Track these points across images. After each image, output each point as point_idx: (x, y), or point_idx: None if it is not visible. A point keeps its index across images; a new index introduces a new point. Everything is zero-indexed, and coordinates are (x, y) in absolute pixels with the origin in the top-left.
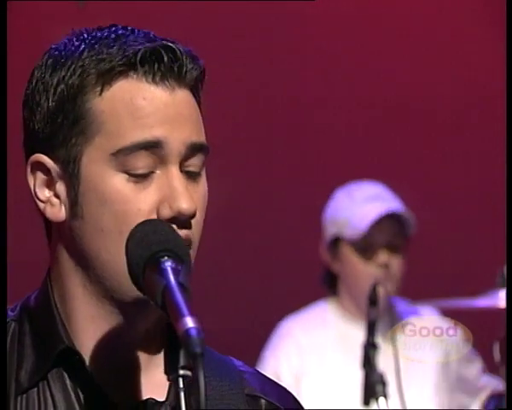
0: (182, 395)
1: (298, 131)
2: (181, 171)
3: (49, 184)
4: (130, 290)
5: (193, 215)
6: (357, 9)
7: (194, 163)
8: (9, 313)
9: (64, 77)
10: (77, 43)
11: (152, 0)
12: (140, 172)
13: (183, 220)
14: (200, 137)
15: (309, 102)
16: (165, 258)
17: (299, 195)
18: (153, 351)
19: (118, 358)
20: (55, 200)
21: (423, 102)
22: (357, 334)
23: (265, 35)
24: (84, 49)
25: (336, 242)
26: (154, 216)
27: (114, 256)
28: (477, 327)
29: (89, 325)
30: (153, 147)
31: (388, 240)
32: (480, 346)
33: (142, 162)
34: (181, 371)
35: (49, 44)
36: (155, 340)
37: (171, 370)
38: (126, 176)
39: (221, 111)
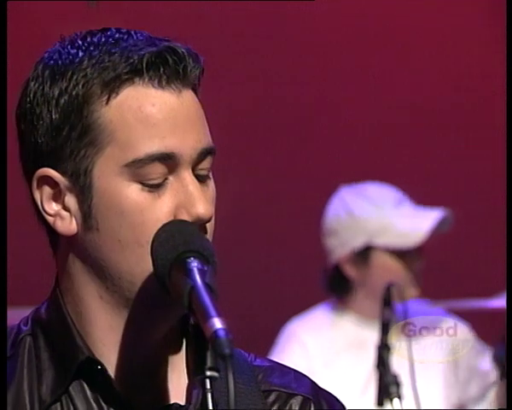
0: (209, 396)
1: (304, 131)
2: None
3: (57, 198)
4: (148, 299)
5: (210, 219)
6: (358, 10)
7: (204, 167)
8: (22, 326)
9: (66, 88)
10: (73, 51)
11: (166, 0)
12: (154, 182)
13: (201, 225)
14: (208, 140)
15: (315, 102)
16: (192, 259)
17: (304, 196)
18: (171, 355)
19: (138, 365)
20: (64, 213)
21: (426, 103)
22: (369, 336)
23: (269, 35)
24: (82, 56)
25: (366, 250)
26: None
27: (132, 267)
28: (489, 328)
29: (107, 335)
30: (167, 158)
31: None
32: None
33: (155, 172)
34: (208, 373)
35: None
36: (173, 344)
37: (197, 371)
38: (141, 186)
39: (226, 112)
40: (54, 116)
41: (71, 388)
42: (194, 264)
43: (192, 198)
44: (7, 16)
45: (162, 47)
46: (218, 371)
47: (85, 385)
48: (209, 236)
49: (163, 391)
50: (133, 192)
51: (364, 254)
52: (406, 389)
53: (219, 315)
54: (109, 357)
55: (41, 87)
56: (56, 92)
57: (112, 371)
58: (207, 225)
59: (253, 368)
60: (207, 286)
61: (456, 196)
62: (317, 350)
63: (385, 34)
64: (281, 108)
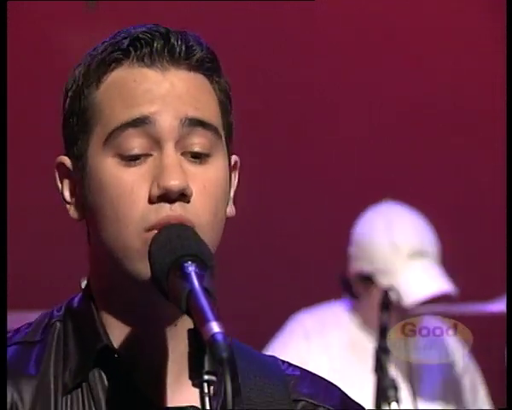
0: (207, 399)
1: (303, 131)
2: (183, 152)
3: (72, 186)
4: (143, 275)
5: (183, 192)
6: (359, 10)
7: (198, 142)
8: (55, 312)
9: (75, 78)
10: (97, 46)
11: (165, 0)
12: (133, 152)
13: (174, 198)
14: (201, 113)
15: (315, 102)
16: (189, 262)
17: (314, 195)
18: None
19: (153, 357)
20: (74, 200)
21: (426, 103)
22: (369, 340)
23: (269, 35)
24: (95, 47)
25: (369, 279)
26: (146, 198)
27: (114, 243)
28: (489, 332)
29: (123, 322)
30: (141, 124)
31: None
32: (493, 351)
33: (133, 143)
34: (206, 377)
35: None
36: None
37: (195, 375)
38: (119, 159)
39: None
40: (66, 106)
41: (91, 375)
42: (192, 268)
43: (164, 169)
44: (7, 16)
45: (149, 29)
46: (215, 374)
47: (104, 373)
48: (201, 215)
49: (180, 390)
50: (112, 166)
51: (367, 281)
52: (404, 391)
53: (217, 319)
54: (127, 347)
55: (67, 82)
56: (70, 84)
57: (128, 361)
58: (197, 203)
59: (285, 377)
60: (205, 290)
61: (456, 197)
62: (321, 346)
63: (385, 34)
64: (280, 108)
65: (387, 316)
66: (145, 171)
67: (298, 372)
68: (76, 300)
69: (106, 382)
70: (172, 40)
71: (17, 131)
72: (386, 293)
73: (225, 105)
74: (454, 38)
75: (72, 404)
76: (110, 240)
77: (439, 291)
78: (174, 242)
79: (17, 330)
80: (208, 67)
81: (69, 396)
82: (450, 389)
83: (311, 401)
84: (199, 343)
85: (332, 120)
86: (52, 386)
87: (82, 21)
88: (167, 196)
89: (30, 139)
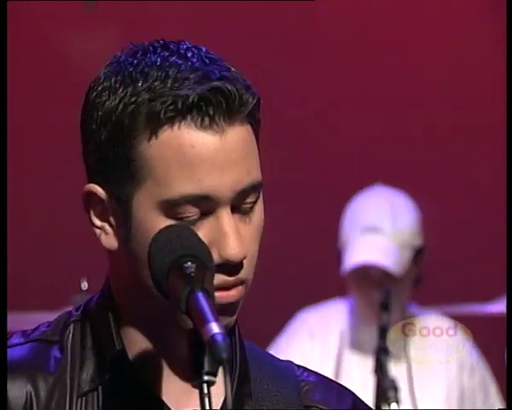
0: (206, 400)
1: (303, 131)
2: (232, 210)
3: (103, 214)
4: (174, 318)
5: (242, 260)
6: (359, 10)
7: (249, 201)
8: (73, 312)
9: (116, 109)
10: (131, 70)
11: (164, 0)
12: (189, 219)
13: (233, 266)
14: (251, 177)
15: (315, 102)
16: (189, 263)
17: (314, 195)
18: None
19: (168, 362)
20: (108, 229)
21: (426, 103)
22: (368, 337)
23: (269, 35)
24: (137, 79)
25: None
26: None
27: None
28: (489, 333)
29: (139, 324)
30: (201, 199)
31: (379, 275)
32: (493, 351)
33: (190, 211)
34: (205, 377)
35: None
36: None
37: (195, 376)
38: (174, 221)
39: None
40: (103, 136)
41: (106, 378)
42: (192, 268)
43: (224, 238)
44: (7, 16)
45: (208, 87)
46: (215, 375)
47: (119, 378)
48: (248, 267)
49: (193, 395)
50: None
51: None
52: (404, 391)
53: (216, 320)
54: (142, 352)
55: (98, 100)
56: (108, 109)
57: (144, 366)
58: (245, 260)
59: (299, 382)
60: (205, 291)
61: (456, 197)
62: (324, 344)
63: (385, 34)
64: (280, 108)
65: (387, 316)
66: (201, 234)
67: (312, 378)
68: (94, 300)
69: (120, 386)
70: (230, 98)
71: (17, 131)
72: (386, 293)
73: (258, 134)
74: (454, 38)
75: (86, 406)
76: (154, 289)
77: (368, 261)
78: (174, 242)
79: (36, 329)
80: (255, 114)
81: (84, 398)
82: (453, 389)
83: (322, 407)
84: (199, 344)
85: (332, 119)
86: (68, 386)
87: (82, 21)
88: (227, 265)
89: (30, 139)
